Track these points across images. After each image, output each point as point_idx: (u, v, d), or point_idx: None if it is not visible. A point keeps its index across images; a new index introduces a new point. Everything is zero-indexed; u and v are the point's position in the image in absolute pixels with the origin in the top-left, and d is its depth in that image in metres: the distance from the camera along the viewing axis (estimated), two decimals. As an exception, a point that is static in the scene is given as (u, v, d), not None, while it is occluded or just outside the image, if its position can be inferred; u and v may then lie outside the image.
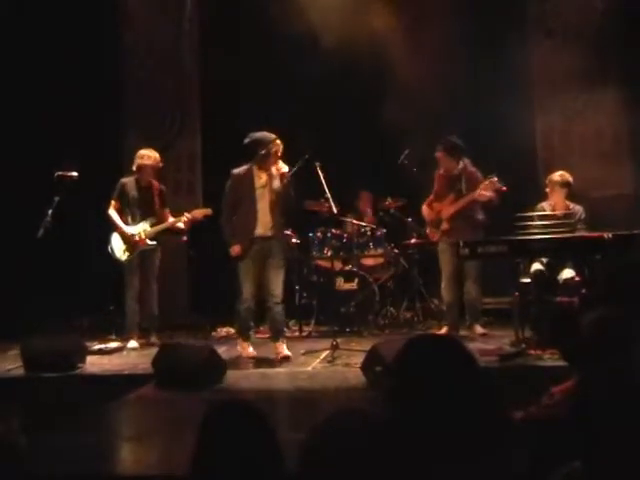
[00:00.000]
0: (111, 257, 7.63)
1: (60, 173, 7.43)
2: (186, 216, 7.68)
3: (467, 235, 7.11)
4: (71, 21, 8.63)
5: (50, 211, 7.23)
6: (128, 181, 7.75)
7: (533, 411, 3.30)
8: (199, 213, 7.75)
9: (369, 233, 8.42)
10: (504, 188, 7.24)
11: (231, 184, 7.02)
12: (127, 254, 7.60)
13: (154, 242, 7.69)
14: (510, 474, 2.00)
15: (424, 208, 7.72)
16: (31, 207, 7.43)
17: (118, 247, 7.62)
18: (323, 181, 7.86)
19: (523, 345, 6.29)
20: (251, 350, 7.04)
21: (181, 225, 7.75)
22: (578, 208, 6.99)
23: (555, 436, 2.84)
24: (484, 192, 7.22)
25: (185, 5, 9.29)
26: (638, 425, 1.98)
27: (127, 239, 7.60)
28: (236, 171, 7.05)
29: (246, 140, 7.10)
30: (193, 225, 7.90)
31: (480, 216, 7.43)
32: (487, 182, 7.23)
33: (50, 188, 7.30)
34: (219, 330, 8.33)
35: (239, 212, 6.97)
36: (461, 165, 7.48)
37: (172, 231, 7.85)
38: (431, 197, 7.71)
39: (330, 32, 7.92)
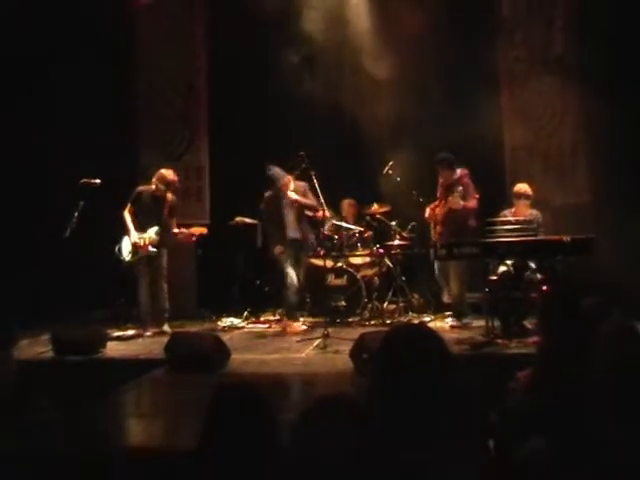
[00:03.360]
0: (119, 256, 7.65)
1: (84, 180, 7.46)
2: (182, 231, 7.75)
3: (457, 238, 7.08)
4: (93, 48, 8.62)
5: (75, 214, 7.26)
6: (144, 190, 7.77)
7: (509, 402, 3.26)
8: (195, 231, 7.80)
9: (357, 235, 8.44)
10: (476, 195, 7.27)
11: None
12: (131, 256, 7.59)
13: (155, 250, 7.63)
14: (479, 451, 2.02)
15: (427, 212, 7.69)
16: (60, 210, 7.46)
17: (126, 248, 7.62)
18: (318, 188, 7.91)
19: (492, 335, 6.32)
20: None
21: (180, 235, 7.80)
22: (536, 213, 7.01)
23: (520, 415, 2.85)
24: (454, 201, 7.23)
25: (194, 32, 9.28)
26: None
27: (133, 243, 7.61)
28: None
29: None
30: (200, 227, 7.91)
31: (472, 222, 7.41)
32: (451, 197, 7.25)
33: (76, 194, 7.34)
34: (223, 320, 8.33)
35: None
36: (457, 175, 7.48)
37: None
38: (436, 202, 7.71)
39: (317, 51, 7.93)
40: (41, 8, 8.52)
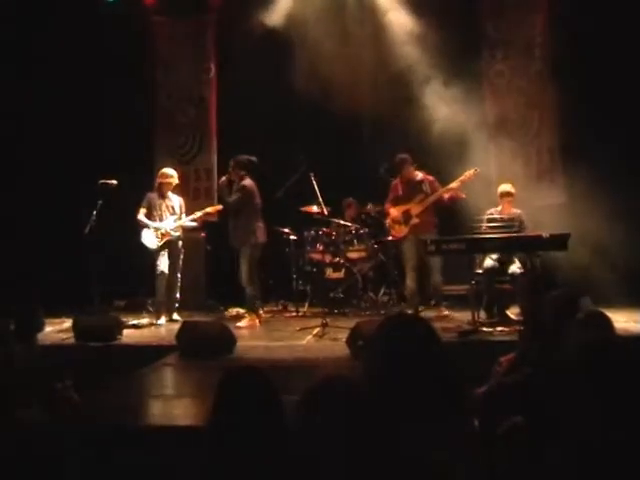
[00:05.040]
0: (143, 249, 7.67)
1: (103, 181, 7.48)
2: (196, 214, 7.77)
3: (429, 232, 7.16)
4: (118, 63, 8.69)
5: (94, 212, 7.28)
6: (153, 195, 7.83)
7: (492, 384, 3.27)
8: (212, 209, 7.83)
9: (353, 232, 8.44)
10: (463, 195, 7.26)
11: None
12: (157, 242, 7.66)
13: (177, 233, 7.74)
14: (464, 429, 2.04)
15: (391, 210, 7.64)
16: (81, 209, 7.49)
17: (149, 239, 7.67)
18: (316, 189, 7.90)
19: (477, 324, 6.34)
20: None
21: (194, 224, 7.84)
22: (519, 212, 7.02)
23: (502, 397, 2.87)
24: (455, 190, 7.21)
25: (205, 49, 9.35)
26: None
27: (156, 232, 7.66)
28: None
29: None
30: (210, 225, 7.93)
31: (435, 218, 7.47)
32: (472, 171, 7.17)
33: (95, 194, 7.37)
34: (230, 310, 8.34)
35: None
36: (420, 174, 7.50)
37: (190, 229, 7.89)
38: (389, 202, 7.66)
39: (318, 69, 7.91)
40: (74, 28, 8.63)
